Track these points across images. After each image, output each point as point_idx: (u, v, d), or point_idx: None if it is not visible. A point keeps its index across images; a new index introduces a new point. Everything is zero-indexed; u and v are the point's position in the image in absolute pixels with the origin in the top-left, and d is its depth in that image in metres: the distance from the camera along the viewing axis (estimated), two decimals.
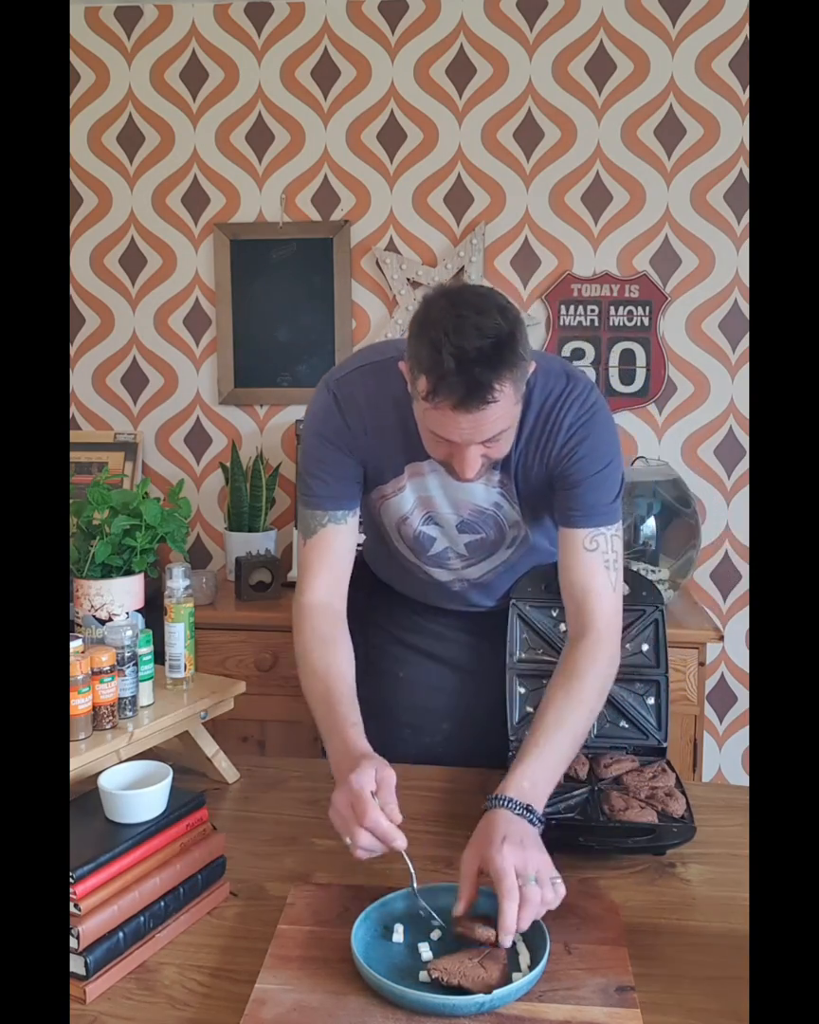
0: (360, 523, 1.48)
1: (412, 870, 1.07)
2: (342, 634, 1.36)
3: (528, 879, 1.01)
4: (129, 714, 1.29)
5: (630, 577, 1.55)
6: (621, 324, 2.57)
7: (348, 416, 1.35)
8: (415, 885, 1.06)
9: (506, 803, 1.11)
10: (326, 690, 1.27)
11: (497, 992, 0.90)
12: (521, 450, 1.33)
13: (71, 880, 0.96)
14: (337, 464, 1.37)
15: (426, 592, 1.57)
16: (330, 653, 1.32)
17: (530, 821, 1.10)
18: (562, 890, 1.03)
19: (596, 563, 1.32)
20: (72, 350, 2.76)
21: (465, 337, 1.10)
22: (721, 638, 2.22)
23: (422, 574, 1.53)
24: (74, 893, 0.96)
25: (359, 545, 1.48)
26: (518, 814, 1.10)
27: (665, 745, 1.45)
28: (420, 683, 1.60)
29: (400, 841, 1.07)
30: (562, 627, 1.51)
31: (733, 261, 2.53)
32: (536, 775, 1.16)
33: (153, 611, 1.45)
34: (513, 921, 0.98)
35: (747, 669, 2.59)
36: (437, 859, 1.22)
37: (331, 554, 1.39)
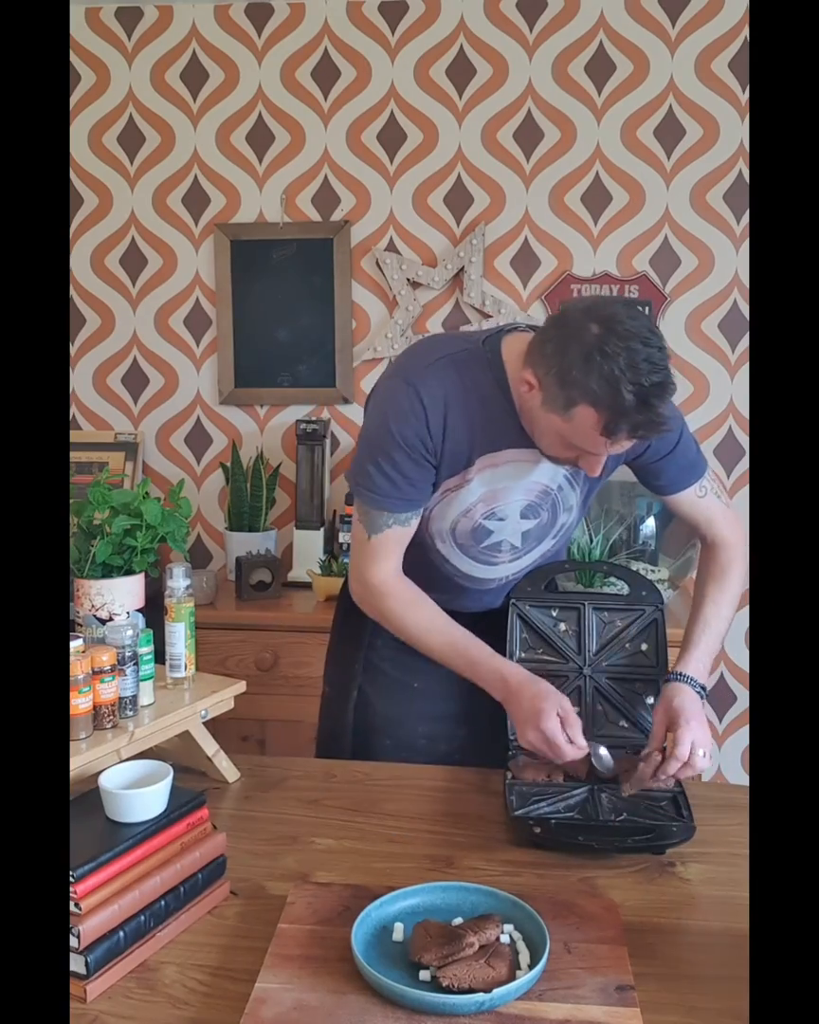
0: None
1: (600, 753, 1.36)
2: (422, 594, 1.45)
3: (697, 752, 1.30)
4: (129, 713, 1.29)
5: (630, 577, 1.55)
6: None
7: (430, 412, 1.33)
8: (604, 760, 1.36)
9: (690, 681, 1.39)
10: (450, 638, 1.42)
11: (497, 991, 0.90)
12: None
13: (71, 879, 0.96)
14: (415, 473, 1.36)
15: (448, 596, 1.53)
16: (427, 610, 1.44)
17: (702, 696, 1.39)
18: (708, 762, 1.31)
19: (711, 503, 1.49)
20: (72, 350, 2.76)
21: (641, 372, 1.15)
22: None
23: (459, 576, 1.51)
24: (74, 892, 0.96)
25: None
26: (697, 692, 1.38)
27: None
28: (434, 692, 1.58)
29: (584, 752, 1.33)
30: (562, 626, 1.51)
31: (733, 261, 2.54)
32: (704, 657, 1.43)
33: (153, 611, 1.45)
34: (674, 770, 1.29)
35: (747, 669, 2.59)
36: (437, 859, 1.22)
37: (396, 546, 1.43)
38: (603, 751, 1.36)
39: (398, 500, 1.38)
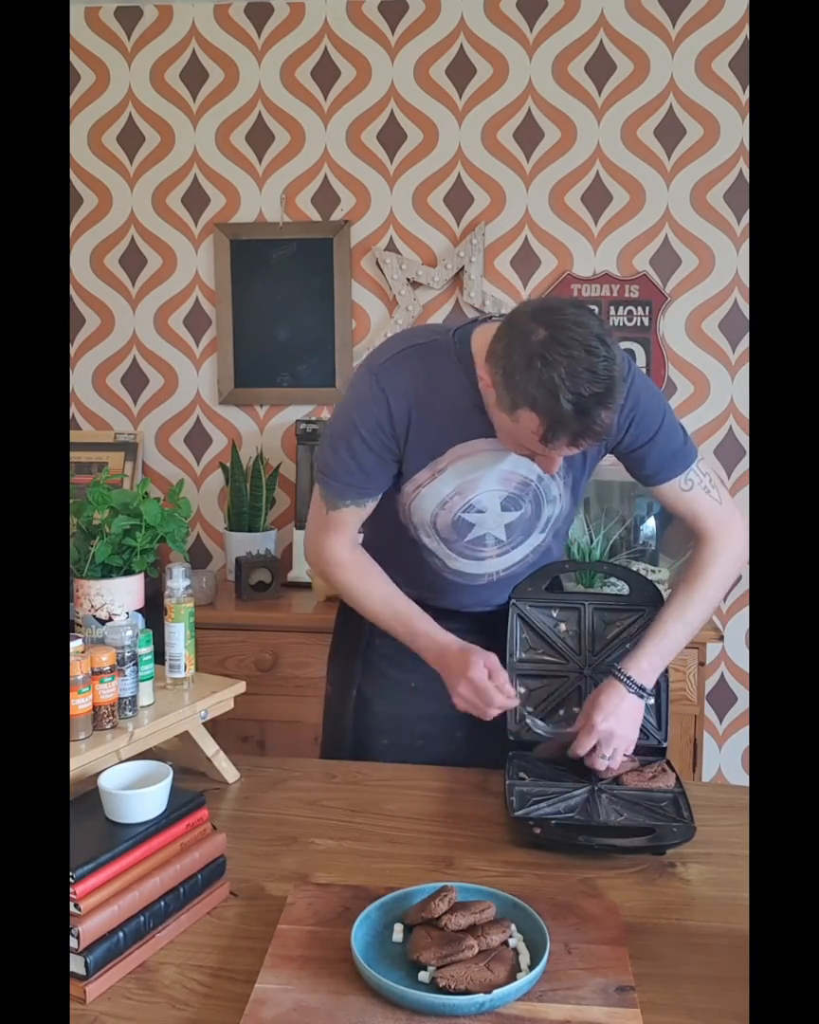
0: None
1: (527, 714, 1.45)
2: (374, 565, 1.49)
3: (602, 755, 1.36)
4: (129, 714, 1.29)
5: (630, 577, 1.55)
6: (621, 324, 2.57)
7: (393, 403, 1.34)
8: (528, 719, 1.46)
9: (623, 678, 1.39)
10: (393, 612, 1.46)
11: (497, 992, 0.90)
12: None
13: (71, 880, 0.96)
14: (373, 462, 1.38)
15: (441, 592, 1.54)
16: (374, 582, 1.47)
17: (639, 694, 1.39)
18: (617, 763, 1.38)
19: (696, 496, 1.43)
20: (72, 350, 2.76)
21: (581, 382, 1.12)
22: (721, 638, 2.23)
23: (448, 572, 1.51)
24: (74, 893, 0.96)
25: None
26: (632, 692, 1.39)
27: (665, 745, 1.45)
28: (432, 692, 1.57)
29: (514, 703, 1.41)
30: (563, 627, 1.51)
31: (733, 261, 2.53)
32: (653, 657, 1.40)
33: (153, 611, 1.45)
34: (589, 742, 1.36)
35: (747, 669, 2.59)
36: (437, 859, 1.22)
37: (352, 522, 1.46)
38: (530, 718, 1.45)
39: (353, 488, 1.41)
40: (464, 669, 1.37)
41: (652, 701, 1.43)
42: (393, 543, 1.52)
